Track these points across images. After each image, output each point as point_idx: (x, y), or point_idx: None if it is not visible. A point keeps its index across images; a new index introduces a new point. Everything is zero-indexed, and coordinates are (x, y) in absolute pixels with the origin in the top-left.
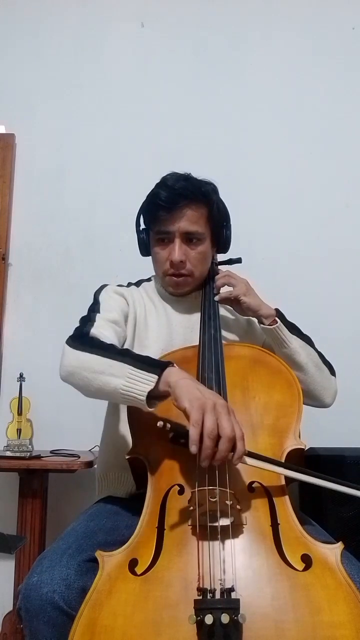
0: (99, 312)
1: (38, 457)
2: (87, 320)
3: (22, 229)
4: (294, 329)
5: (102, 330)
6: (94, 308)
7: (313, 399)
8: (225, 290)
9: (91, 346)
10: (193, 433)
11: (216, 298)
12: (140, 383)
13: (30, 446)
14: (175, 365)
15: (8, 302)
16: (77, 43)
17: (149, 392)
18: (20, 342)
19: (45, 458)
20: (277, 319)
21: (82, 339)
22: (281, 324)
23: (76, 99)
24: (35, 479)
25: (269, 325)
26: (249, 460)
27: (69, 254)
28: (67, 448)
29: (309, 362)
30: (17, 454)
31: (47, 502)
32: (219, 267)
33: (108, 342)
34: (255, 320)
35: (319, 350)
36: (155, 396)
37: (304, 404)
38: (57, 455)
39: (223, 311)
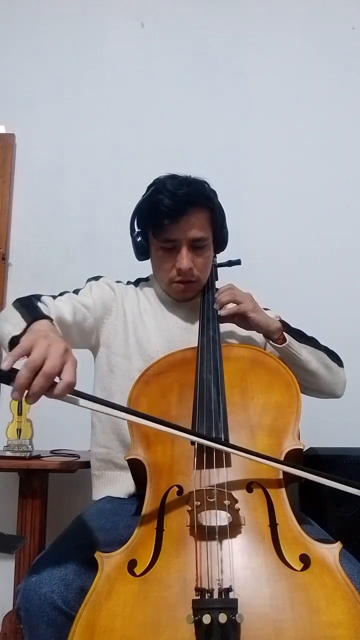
0: (75, 294)
1: (38, 457)
2: (60, 294)
3: (22, 229)
4: (300, 337)
5: (58, 303)
6: (76, 289)
7: (325, 394)
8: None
9: (21, 303)
10: (9, 355)
11: (221, 313)
12: (12, 326)
13: (30, 446)
14: (54, 323)
15: (8, 302)
16: (77, 43)
17: (13, 337)
18: None
19: (45, 458)
20: (285, 333)
21: (24, 297)
22: (291, 338)
23: (76, 99)
24: (35, 479)
25: (278, 343)
26: (81, 401)
27: (69, 254)
28: (67, 448)
29: (319, 366)
30: (17, 454)
31: (47, 502)
32: (218, 269)
33: (36, 302)
34: (253, 333)
35: (324, 345)
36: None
37: (315, 397)
38: (57, 455)
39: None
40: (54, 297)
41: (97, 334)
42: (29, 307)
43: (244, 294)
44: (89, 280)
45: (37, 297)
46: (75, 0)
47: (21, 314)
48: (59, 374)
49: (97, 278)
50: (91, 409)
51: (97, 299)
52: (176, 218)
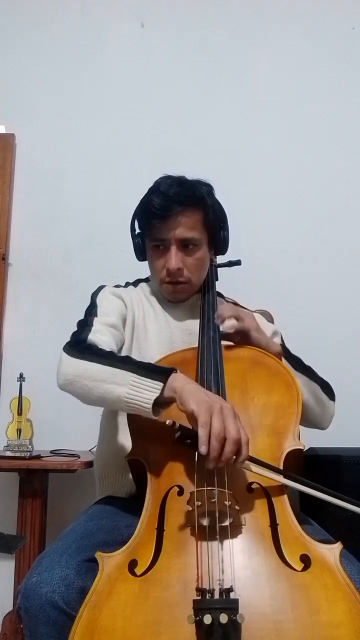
0: (96, 316)
1: (38, 457)
2: (85, 324)
3: (22, 229)
4: (298, 365)
5: (100, 335)
6: (92, 311)
7: (310, 425)
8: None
9: (91, 354)
10: (202, 434)
11: (222, 327)
12: (146, 391)
13: (30, 446)
14: (178, 371)
15: (8, 302)
16: (77, 43)
17: (155, 400)
18: (20, 342)
19: (45, 458)
20: (283, 359)
21: (80, 345)
22: (287, 365)
23: (76, 98)
24: (35, 479)
25: None
26: (252, 466)
27: (69, 254)
28: (67, 448)
29: (310, 398)
30: (17, 454)
31: (47, 502)
32: (218, 269)
33: (107, 349)
34: None
35: (320, 377)
36: (159, 403)
37: (300, 425)
38: (57, 455)
39: None
40: (87, 328)
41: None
42: (128, 360)
43: (247, 312)
44: (95, 294)
45: (86, 339)
46: (76, 0)
47: (132, 372)
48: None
49: (101, 288)
50: (264, 476)
51: (117, 315)
52: (165, 218)
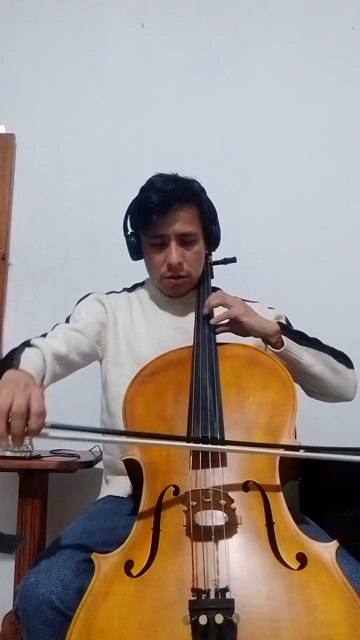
0: (66, 322)
1: (38, 457)
2: (53, 328)
3: (22, 229)
4: (302, 339)
5: (50, 339)
6: (67, 317)
7: (334, 398)
8: (220, 311)
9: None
10: None
11: (212, 321)
12: None
13: (30, 446)
14: (21, 369)
15: (8, 302)
16: (77, 43)
17: None
18: (20, 342)
19: (45, 458)
20: (283, 336)
21: (13, 349)
22: (289, 341)
23: (76, 99)
24: (35, 479)
25: (277, 347)
26: (53, 432)
27: (68, 254)
28: (67, 448)
29: (324, 370)
30: (17, 454)
31: (47, 502)
32: (214, 267)
33: (37, 350)
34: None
35: (329, 346)
36: None
37: (325, 402)
38: (57, 455)
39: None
40: (46, 334)
41: (99, 351)
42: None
43: (234, 298)
44: (78, 301)
45: (26, 344)
46: (75, 0)
47: None
48: (28, 410)
49: (86, 297)
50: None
51: (88, 319)
52: (164, 213)
